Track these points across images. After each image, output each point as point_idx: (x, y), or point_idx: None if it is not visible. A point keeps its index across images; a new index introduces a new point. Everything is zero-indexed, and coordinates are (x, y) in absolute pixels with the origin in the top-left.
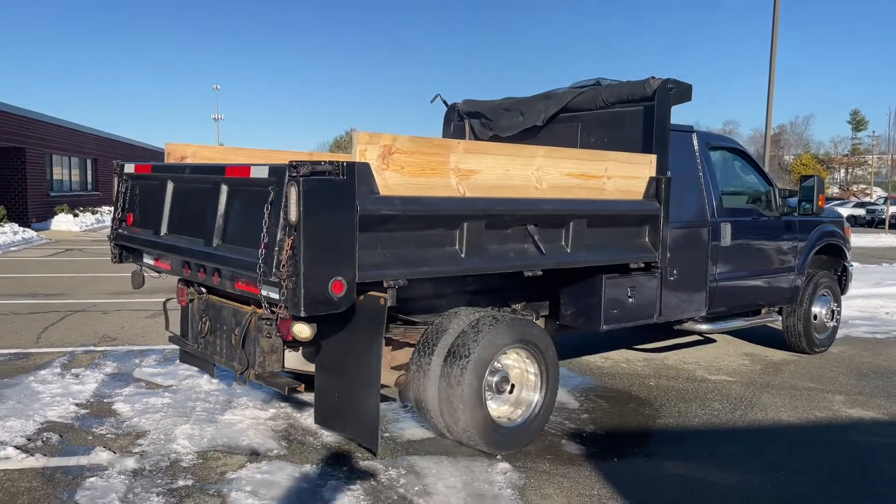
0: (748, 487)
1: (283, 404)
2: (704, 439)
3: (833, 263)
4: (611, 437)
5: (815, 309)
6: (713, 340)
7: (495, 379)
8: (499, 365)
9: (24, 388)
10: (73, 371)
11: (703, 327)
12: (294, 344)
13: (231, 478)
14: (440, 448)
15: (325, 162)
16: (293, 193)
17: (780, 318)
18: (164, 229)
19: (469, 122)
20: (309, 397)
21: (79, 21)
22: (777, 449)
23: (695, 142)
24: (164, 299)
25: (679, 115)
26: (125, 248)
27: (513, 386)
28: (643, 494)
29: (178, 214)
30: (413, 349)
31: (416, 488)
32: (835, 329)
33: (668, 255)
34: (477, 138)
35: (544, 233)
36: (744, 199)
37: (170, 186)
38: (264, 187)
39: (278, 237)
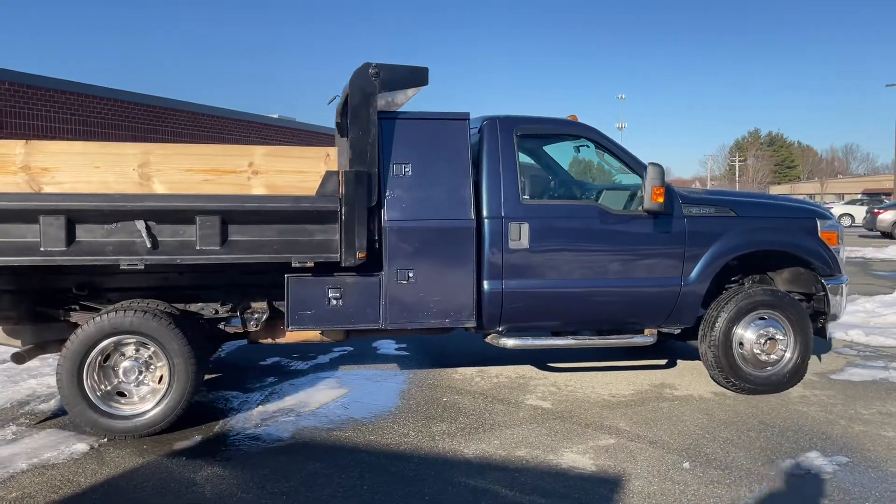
0: (230, 491)
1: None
2: (332, 450)
3: (810, 280)
4: (246, 439)
5: (743, 334)
6: (674, 364)
7: (125, 365)
8: (132, 353)
9: None
10: None
11: (509, 342)
12: None
13: None
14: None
15: None
16: None
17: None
18: None
19: None
20: None
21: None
22: (356, 472)
23: (469, 131)
24: None
25: None
26: None
27: (161, 377)
28: (127, 478)
29: None
30: None
31: None
32: (791, 365)
33: (392, 257)
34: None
35: (165, 228)
36: (583, 194)
37: None
38: None
39: None
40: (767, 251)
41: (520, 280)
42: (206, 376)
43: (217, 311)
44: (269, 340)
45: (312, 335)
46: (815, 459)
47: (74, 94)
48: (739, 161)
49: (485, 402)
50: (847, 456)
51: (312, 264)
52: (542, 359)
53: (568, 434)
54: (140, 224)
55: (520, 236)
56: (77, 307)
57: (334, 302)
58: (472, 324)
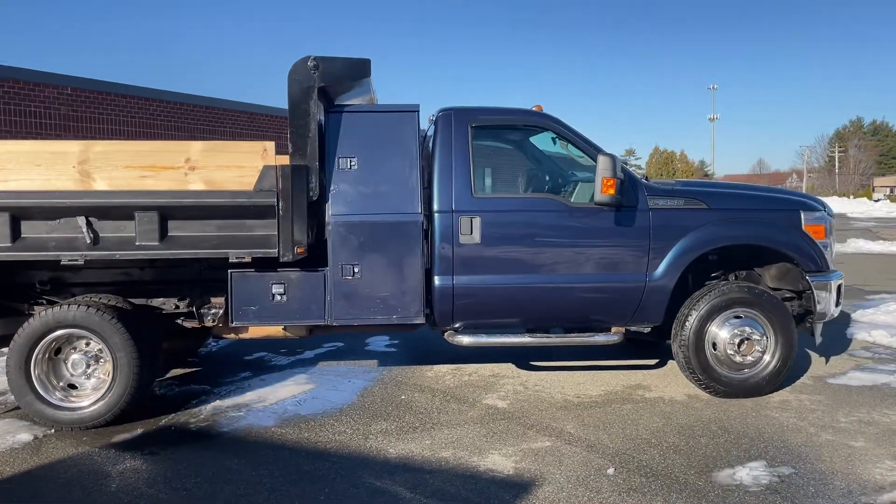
0: (129, 487)
1: None
2: (259, 447)
3: (797, 276)
4: (183, 434)
5: (717, 334)
6: (663, 364)
7: (74, 357)
8: (83, 346)
9: None
10: None
11: (465, 340)
12: None
13: None
14: None
15: None
16: None
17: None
18: None
19: None
20: None
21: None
22: (268, 470)
23: (418, 124)
24: None
25: None
26: None
27: (108, 371)
28: (48, 469)
29: None
30: None
31: None
32: (771, 367)
33: (336, 252)
34: None
35: (107, 225)
36: (563, 186)
37: None
38: None
39: None
40: (744, 245)
41: (472, 276)
42: (185, 370)
43: (178, 307)
44: (233, 336)
45: (274, 331)
46: (755, 470)
47: (136, 98)
48: (840, 152)
49: (441, 401)
50: (794, 467)
51: (250, 259)
52: (525, 356)
53: (505, 435)
54: (81, 220)
55: (471, 230)
56: (44, 301)
57: (278, 297)
58: (420, 321)
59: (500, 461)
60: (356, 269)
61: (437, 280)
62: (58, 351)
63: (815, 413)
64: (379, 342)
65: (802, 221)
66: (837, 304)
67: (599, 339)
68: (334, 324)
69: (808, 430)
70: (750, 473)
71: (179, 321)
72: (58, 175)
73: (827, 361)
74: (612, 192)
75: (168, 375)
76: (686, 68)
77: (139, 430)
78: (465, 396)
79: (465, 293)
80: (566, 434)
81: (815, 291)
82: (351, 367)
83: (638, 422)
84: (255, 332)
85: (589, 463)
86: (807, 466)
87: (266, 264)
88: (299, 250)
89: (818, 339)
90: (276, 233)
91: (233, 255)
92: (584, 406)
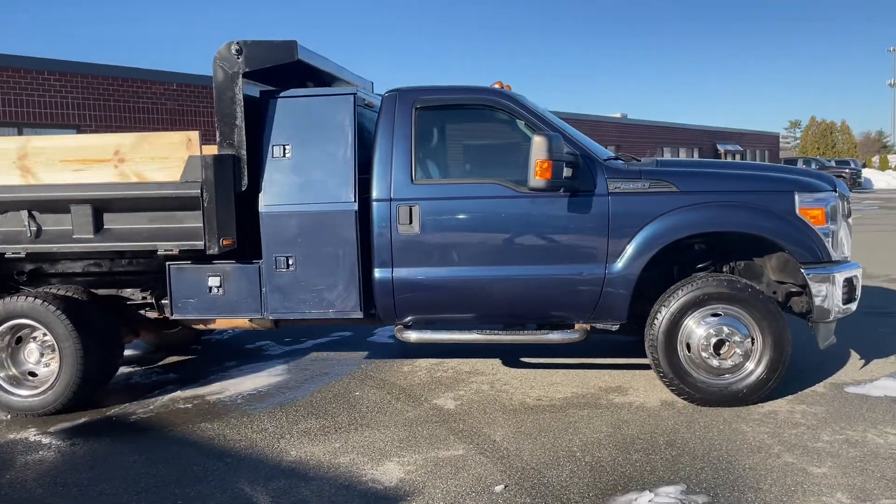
0: None
1: None
2: (171, 443)
3: (790, 269)
4: (116, 425)
5: (691, 333)
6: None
7: (29, 346)
8: (41, 336)
9: None
10: None
11: (412, 336)
12: None
13: None
14: None
15: None
16: None
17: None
18: None
19: None
20: None
21: None
22: (156, 468)
23: (354, 108)
24: None
25: None
26: None
27: None
28: None
29: None
30: None
31: None
32: (757, 374)
33: (270, 244)
34: None
35: (48, 218)
36: (494, 171)
37: None
38: None
39: None
40: (727, 233)
41: (412, 268)
42: (183, 357)
43: (144, 297)
44: (202, 326)
45: (240, 322)
46: (663, 497)
47: None
48: None
49: (391, 399)
50: (712, 496)
51: (178, 252)
52: (516, 353)
53: (422, 441)
54: (23, 214)
55: (410, 220)
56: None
57: (215, 290)
58: (357, 315)
59: (392, 470)
60: (290, 262)
61: (376, 273)
62: (20, 340)
63: (797, 428)
64: (385, 332)
65: (796, 204)
66: (848, 301)
67: (555, 336)
68: (270, 317)
69: (772, 449)
70: (654, 500)
71: (143, 312)
72: (3, 171)
73: (865, 364)
74: (547, 176)
75: (162, 362)
76: (856, 31)
77: (82, 420)
78: (419, 395)
79: (406, 287)
80: (489, 442)
81: (811, 285)
82: (340, 358)
83: (580, 431)
84: (222, 323)
85: (484, 478)
86: (730, 496)
87: (204, 256)
88: (226, 242)
89: (823, 343)
90: (204, 224)
91: (161, 247)
92: (538, 410)
